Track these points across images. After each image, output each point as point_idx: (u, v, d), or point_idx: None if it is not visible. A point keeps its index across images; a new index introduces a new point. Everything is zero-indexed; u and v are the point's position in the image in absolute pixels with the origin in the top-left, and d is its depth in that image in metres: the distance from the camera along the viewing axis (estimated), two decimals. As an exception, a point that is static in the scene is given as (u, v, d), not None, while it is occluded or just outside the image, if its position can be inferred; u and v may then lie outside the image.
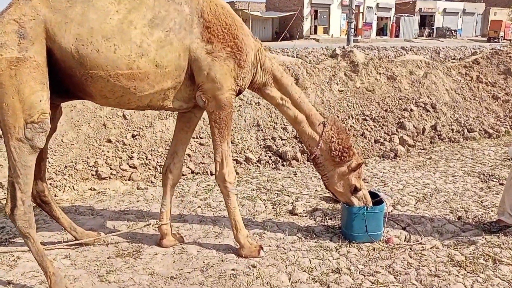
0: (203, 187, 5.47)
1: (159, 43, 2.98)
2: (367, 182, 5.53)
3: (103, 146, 5.99)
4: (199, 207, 4.76)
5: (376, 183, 5.53)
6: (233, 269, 3.38)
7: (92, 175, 5.54)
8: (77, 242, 3.75)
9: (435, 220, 4.31)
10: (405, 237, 3.99)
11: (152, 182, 5.65)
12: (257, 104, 7.46)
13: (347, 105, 8.17)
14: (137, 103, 3.20)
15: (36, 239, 2.94)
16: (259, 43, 3.61)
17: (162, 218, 3.77)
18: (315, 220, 4.39)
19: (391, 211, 4.46)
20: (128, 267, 3.43)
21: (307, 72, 8.45)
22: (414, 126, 7.85)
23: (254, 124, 7.15)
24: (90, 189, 5.34)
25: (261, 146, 6.80)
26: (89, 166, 5.59)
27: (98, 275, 3.30)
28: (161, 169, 5.93)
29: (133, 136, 6.32)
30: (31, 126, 2.73)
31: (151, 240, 3.90)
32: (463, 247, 3.75)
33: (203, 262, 3.51)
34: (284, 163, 6.47)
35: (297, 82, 8.19)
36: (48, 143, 3.40)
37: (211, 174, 6.03)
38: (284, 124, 7.20)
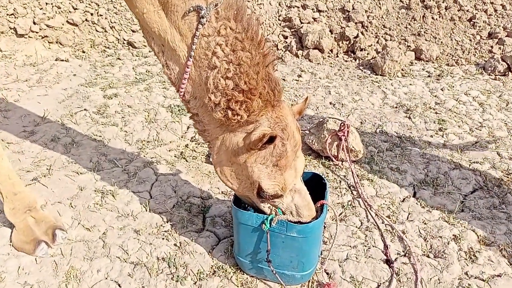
0: (137, 73, 3.55)
1: None
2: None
3: (44, -14, 4.24)
4: (87, 112, 2.95)
5: (425, 121, 2.95)
6: (-41, 275, 1.72)
7: (10, 28, 3.97)
8: None
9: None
10: (378, 284, 1.76)
11: (83, 52, 3.90)
12: None
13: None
14: None
15: None
16: None
17: None
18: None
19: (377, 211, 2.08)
20: None
21: None
22: None
23: (285, -21, 4.54)
24: (-2, 48, 3.85)
25: (280, 18, 4.33)
26: (7, 14, 3.98)
27: None
28: (113, 32, 4.09)
29: (94, -24, 4.39)
30: None
31: None
32: None
33: None
34: (301, 51, 4.04)
35: None
36: None
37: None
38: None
